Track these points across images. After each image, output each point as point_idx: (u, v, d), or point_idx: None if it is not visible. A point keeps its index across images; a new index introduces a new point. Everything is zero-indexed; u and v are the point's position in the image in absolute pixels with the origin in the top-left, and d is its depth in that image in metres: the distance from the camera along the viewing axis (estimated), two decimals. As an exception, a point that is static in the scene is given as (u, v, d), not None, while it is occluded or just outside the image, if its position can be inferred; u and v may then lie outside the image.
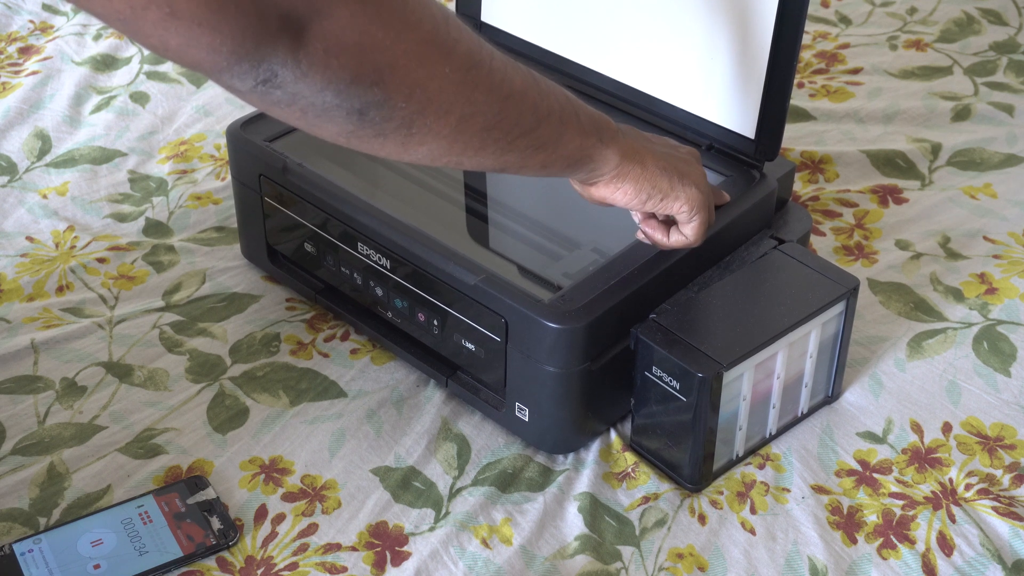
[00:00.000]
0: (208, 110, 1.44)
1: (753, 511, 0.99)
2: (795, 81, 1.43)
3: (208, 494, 0.98)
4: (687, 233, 0.98)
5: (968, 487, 1.01)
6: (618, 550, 0.96)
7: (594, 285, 0.98)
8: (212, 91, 1.47)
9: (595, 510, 0.99)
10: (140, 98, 1.46)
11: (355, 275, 1.08)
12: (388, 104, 0.74)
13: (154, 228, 1.27)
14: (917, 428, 1.06)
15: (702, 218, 0.97)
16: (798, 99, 1.46)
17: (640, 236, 1.00)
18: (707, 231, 0.99)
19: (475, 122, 0.79)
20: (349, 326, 1.15)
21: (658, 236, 0.99)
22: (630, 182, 0.93)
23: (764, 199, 1.09)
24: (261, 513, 0.98)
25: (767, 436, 1.04)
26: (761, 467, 1.02)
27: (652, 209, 0.95)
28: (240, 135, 1.14)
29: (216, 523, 0.96)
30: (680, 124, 1.14)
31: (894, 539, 0.97)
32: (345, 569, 0.94)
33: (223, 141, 1.38)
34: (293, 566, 0.94)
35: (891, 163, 1.36)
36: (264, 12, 0.66)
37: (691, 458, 0.98)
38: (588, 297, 0.97)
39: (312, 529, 0.97)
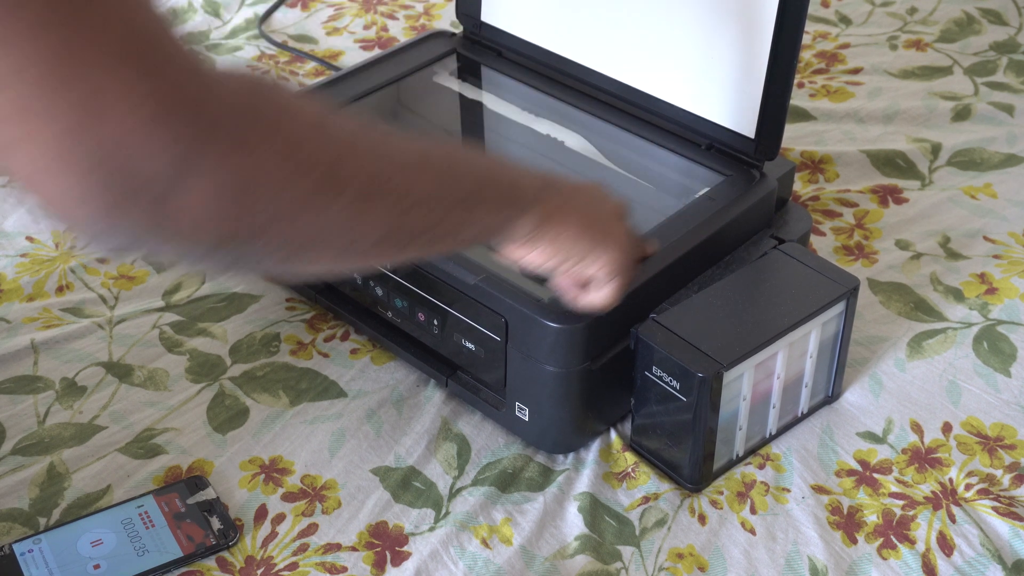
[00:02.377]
0: (208, 110, 1.44)
1: (753, 511, 0.99)
2: (795, 81, 1.43)
3: (208, 494, 0.98)
4: (603, 295, 0.93)
5: (968, 487, 1.01)
6: (618, 550, 0.96)
7: (594, 285, 0.98)
8: (212, 91, 1.47)
9: (595, 510, 0.99)
10: (140, 98, 1.46)
11: (355, 275, 1.08)
12: (265, 250, 0.69)
13: (154, 228, 1.27)
14: (917, 428, 1.06)
15: (619, 281, 0.92)
16: (798, 99, 1.46)
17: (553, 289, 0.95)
18: (624, 292, 0.93)
19: (365, 242, 0.74)
20: (349, 326, 1.15)
21: (572, 295, 0.94)
22: (544, 246, 0.87)
23: (764, 199, 1.09)
24: (261, 513, 0.98)
25: (767, 436, 1.04)
26: (761, 467, 1.02)
27: (568, 272, 0.91)
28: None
29: (216, 523, 0.96)
30: (680, 124, 1.14)
31: (894, 539, 0.97)
32: (345, 569, 0.94)
33: (223, 141, 1.37)
34: (293, 566, 0.94)
35: (891, 163, 1.36)
36: (123, 184, 0.60)
37: (691, 458, 0.98)
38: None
39: (312, 529, 0.97)
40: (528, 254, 0.88)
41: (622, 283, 0.93)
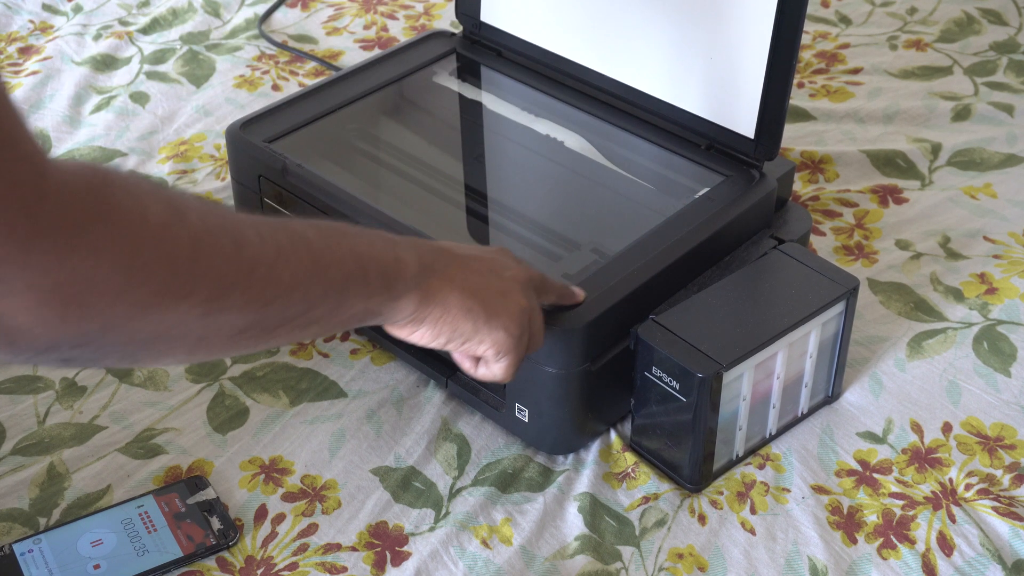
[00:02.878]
0: (208, 110, 1.44)
1: (753, 511, 0.99)
2: (795, 81, 1.43)
3: (208, 494, 0.98)
4: (494, 371, 0.90)
5: (968, 487, 1.01)
6: (618, 550, 0.96)
7: (594, 285, 0.98)
8: (212, 91, 1.47)
9: (595, 510, 0.99)
10: (140, 98, 1.46)
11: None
12: (99, 353, 0.65)
13: (154, 228, 1.27)
14: (917, 428, 1.06)
15: (510, 360, 0.89)
16: (798, 99, 1.46)
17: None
18: (518, 367, 0.91)
19: (218, 338, 0.71)
20: (349, 326, 1.15)
21: (466, 366, 0.91)
22: (427, 327, 0.85)
23: (764, 199, 1.08)
24: (261, 513, 0.98)
25: (767, 436, 1.04)
26: (761, 467, 1.02)
27: (454, 350, 0.89)
28: (239, 135, 1.14)
29: (216, 523, 0.96)
30: (680, 124, 1.14)
31: (894, 539, 0.97)
32: (345, 569, 0.94)
33: (223, 141, 1.38)
34: (293, 566, 0.94)
35: (891, 163, 1.36)
36: None
37: (691, 458, 0.98)
38: (588, 297, 0.97)
39: (312, 529, 0.97)
40: (411, 335, 0.86)
41: (512, 361, 0.89)
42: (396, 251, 0.83)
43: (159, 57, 1.53)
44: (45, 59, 1.53)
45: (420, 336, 0.86)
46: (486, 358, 0.89)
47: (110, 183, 0.63)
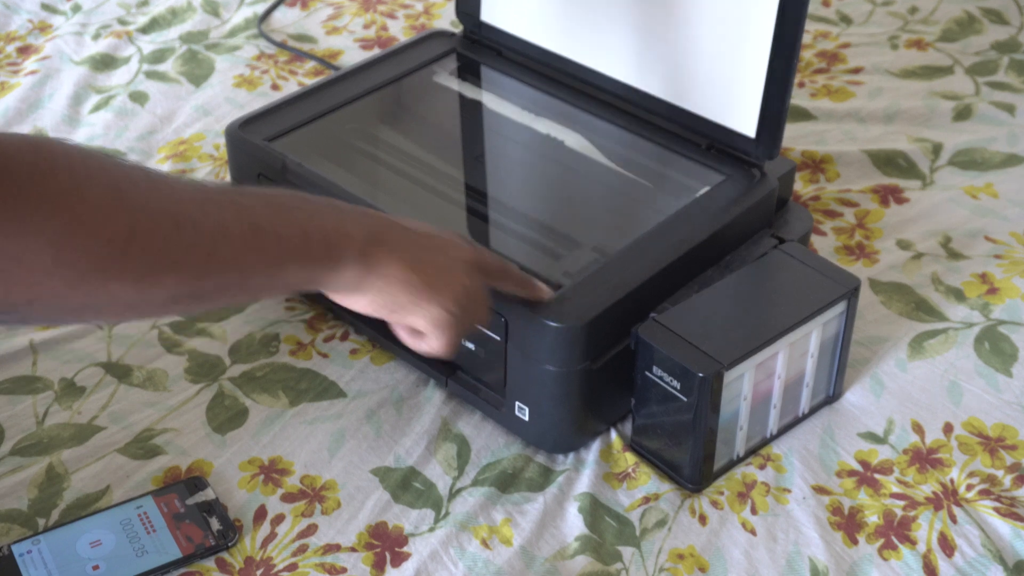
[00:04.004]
0: (207, 109, 1.44)
1: (754, 511, 0.99)
2: (796, 80, 1.42)
3: (207, 495, 0.98)
4: (432, 345, 0.92)
5: (969, 488, 1.00)
6: (618, 551, 0.96)
7: (594, 284, 0.98)
8: (211, 91, 1.47)
9: (595, 510, 0.98)
10: (139, 97, 1.46)
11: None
12: (26, 321, 0.67)
13: (153, 228, 1.27)
14: (918, 428, 1.05)
15: (447, 336, 0.91)
16: (799, 98, 1.46)
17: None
18: (458, 344, 0.92)
19: (150, 306, 0.73)
20: (349, 326, 1.15)
21: (404, 337, 0.93)
22: (367, 296, 0.87)
23: (764, 198, 1.08)
24: (260, 514, 0.98)
25: (768, 436, 1.04)
26: (762, 467, 1.02)
27: (392, 320, 0.90)
28: (239, 135, 1.14)
29: (215, 524, 0.96)
30: (680, 123, 1.14)
31: (895, 540, 0.96)
32: (345, 570, 0.94)
33: (222, 140, 1.37)
34: (292, 567, 0.94)
35: (892, 163, 1.36)
36: None
37: (691, 458, 0.98)
38: (588, 296, 0.97)
39: (312, 530, 0.97)
40: (349, 302, 0.88)
41: (452, 336, 0.91)
42: (343, 222, 0.85)
43: (158, 56, 1.53)
44: (44, 58, 1.53)
45: (360, 304, 0.88)
46: (423, 332, 0.91)
47: (53, 160, 0.63)
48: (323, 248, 0.83)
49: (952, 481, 1.01)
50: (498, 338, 0.98)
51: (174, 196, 0.72)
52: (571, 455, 1.03)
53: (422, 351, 0.93)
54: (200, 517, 0.96)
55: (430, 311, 0.89)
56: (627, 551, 0.96)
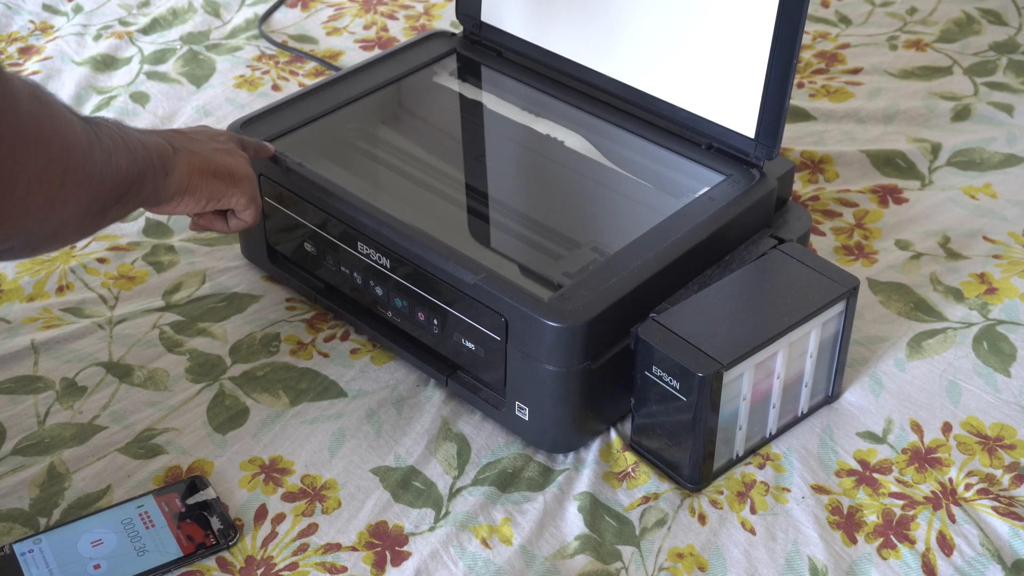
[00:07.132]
0: (208, 110, 1.44)
1: (753, 511, 0.99)
2: (795, 81, 1.43)
3: (208, 494, 0.98)
4: (246, 219, 1.04)
5: (968, 487, 1.01)
6: (618, 550, 0.96)
7: (594, 284, 0.98)
8: (212, 91, 1.47)
9: (595, 510, 0.99)
10: (140, 98, 1.46)
11: (355, 275, 1.09)
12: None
13: (154, 228, 1.27)
14: (917, 428, 1.06)
15: (256, 205, 1.04)
16: (798, 99, 1.46)
17: (194, 229, 1.06)
18: (259, 211, 1.05)
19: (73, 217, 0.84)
20: (349, 326, 1.15)
21: (218, 226, 1.04)
22: (190, 195, 0.97)
23: (764, 198, 1.09)
24: (261, 513, 0.98)
25: (767, 436, 1.04)
26: (761, 467, 1.02)
27: (212, 208, 1.01)
28: (240, 135, 1.14)
29: (216, 523, 0.96)
30: (680, 123, 1.14)
31: (894, 539, 0.97)
32: (345, 569, 0.94)
33: (223, 141, 1.37)
34: (293, 566, 0.94)
35: (891, 163, 1.36)
36: None
37: (691, 458, 0.98)
38: (588, 296, 0.97)
39: (312, 529, 0.97)
40: (177, 207, 0.98)
41: (258, 205, 1.04)
42: (155, 139, 0.95)
43: (159, 57, 1.53)
44: (45, 59, 1.53)
45: (185, 205, 0.98)
46: (236, 210, 1.03)
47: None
48: (159, 159, 0.93)
49: (951, 480, 1.01)
50: (498, 338, 0.99)
51: (79, 129, 0.83)
52: (571, 455, 1.03)
53: (236, 229, 1.05)
54: (201, 516, 0.97)
55: (242, 188, 1.01)
56: (627, 550, 0.96)
